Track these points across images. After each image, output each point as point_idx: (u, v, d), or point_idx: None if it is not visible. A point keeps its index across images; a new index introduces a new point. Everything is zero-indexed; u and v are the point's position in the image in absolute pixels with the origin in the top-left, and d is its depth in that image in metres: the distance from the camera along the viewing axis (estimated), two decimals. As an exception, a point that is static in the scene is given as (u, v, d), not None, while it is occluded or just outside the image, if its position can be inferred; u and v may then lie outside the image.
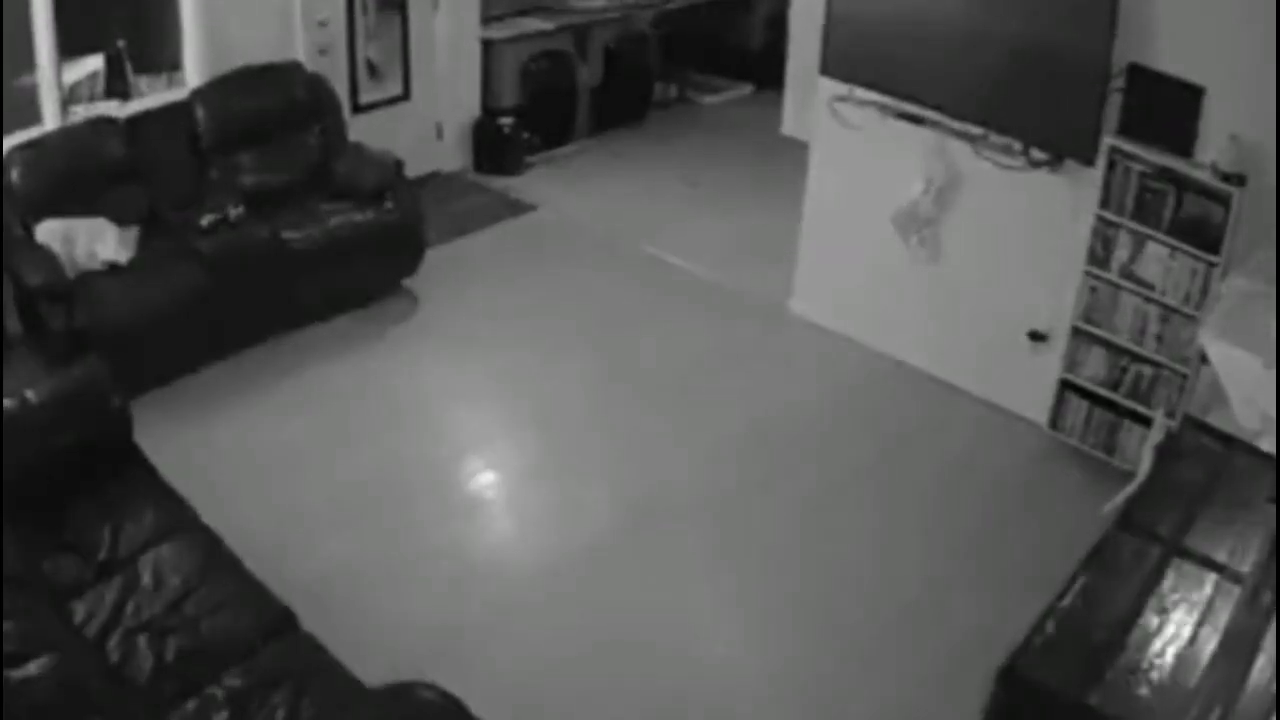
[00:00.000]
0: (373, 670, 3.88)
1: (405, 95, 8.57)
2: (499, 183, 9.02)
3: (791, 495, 5.84)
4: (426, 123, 8.75)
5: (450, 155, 9.07)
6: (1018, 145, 6.04)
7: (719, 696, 4.69)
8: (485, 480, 6.04)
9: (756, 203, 8.70)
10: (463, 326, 7.11)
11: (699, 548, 5.45)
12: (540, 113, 9.40)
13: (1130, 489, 5.06)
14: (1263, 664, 3.54)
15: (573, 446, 6.14)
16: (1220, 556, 4.05)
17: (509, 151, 9.19)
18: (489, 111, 9.18)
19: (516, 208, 8.65)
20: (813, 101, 7.06)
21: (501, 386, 6.64)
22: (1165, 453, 4.87)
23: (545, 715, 4.46)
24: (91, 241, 6.11)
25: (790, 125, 9.74)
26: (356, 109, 8.13)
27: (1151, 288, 5.65)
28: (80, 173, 6.40)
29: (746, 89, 11.14)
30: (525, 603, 5.07)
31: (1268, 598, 3.82)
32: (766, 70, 10.41)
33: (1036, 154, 5.98)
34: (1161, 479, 4.64)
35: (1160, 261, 5.58)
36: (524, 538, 5.63)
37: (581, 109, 9.87)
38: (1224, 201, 5.30)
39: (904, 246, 6.70)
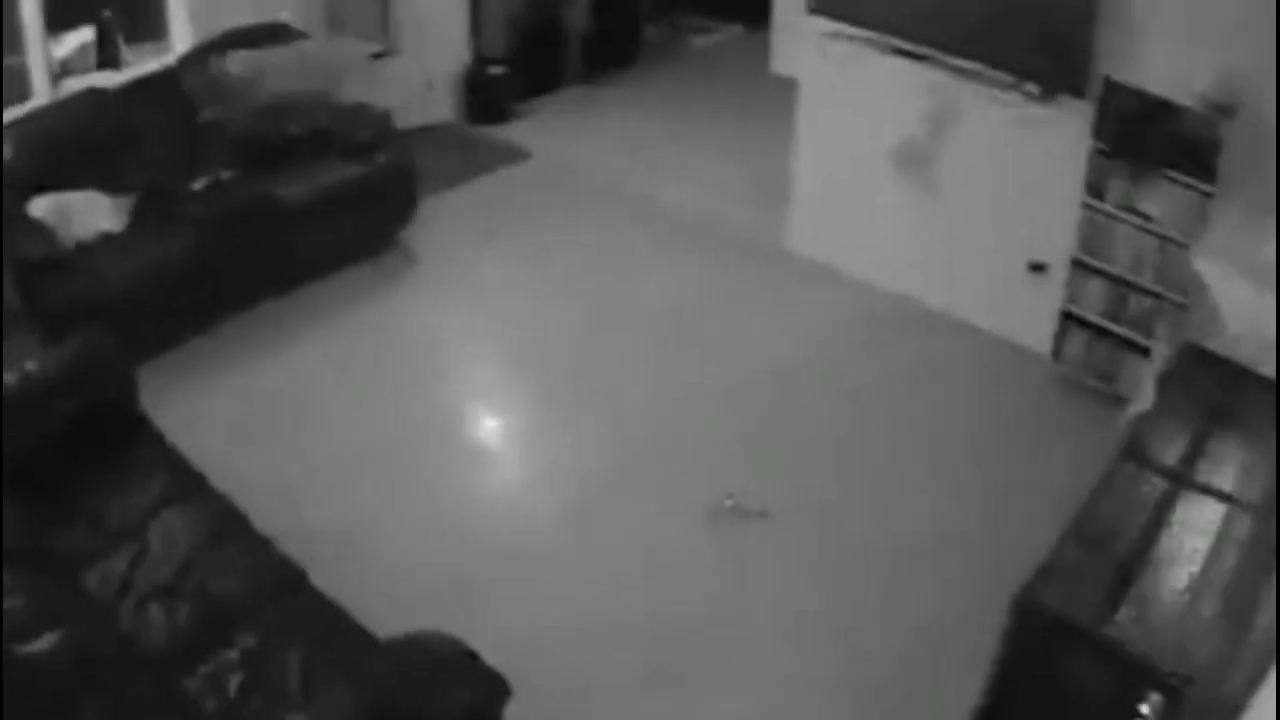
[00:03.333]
0: (382, 625, 3.89)
1: (391, 48, 8.52)
2: (491, 131, 8.97)
3: (793, 433, 5.86)
4: (415, 75, 8.68)
5: (441, 106, 9.01)
6: (1010, 79, 6.01)
7: (728, 637, 4.72)
8: (488, 430, 6.07)
9: (749, 142, 8.65)
10: (460, 276, 7.10)
11: (701, 489, 5.42)
12: (530, 60, 9.36)
13: (1139, 407, 5.04)
14: (1271, 598, 3.56)
15: (574, 392, 6.14)
16: (1229, 486, 4.08)
17: (500, 100, 9.14)
18: (478, 61, 9.12)
19: (509, 155, 8.60)
20: (802, 39, 7.01)
21: (501, 334, 6.65)
22: (1169, 380, 4.88)
23: (555, 664, 4.47)
24: (86, 213, 6.09)
25: (780, 63, 9.68)
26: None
27: (1148, 218, 5.64)
28: (72, 144, 6.36)
29: (736, 29, 11.03)
30: (533, 554, 5.08)
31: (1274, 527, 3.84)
32: (756, 9, 10.32)
33: (1029, 88, 5.96)
34: (1167, 408, 4.66)
35: (1156, 191, 5.57)
36: (528, 487, 5.63)
37: (571, 54, 9.80)
38: (1216, 132, 5.28)
39: (901, 183, 6.68)
